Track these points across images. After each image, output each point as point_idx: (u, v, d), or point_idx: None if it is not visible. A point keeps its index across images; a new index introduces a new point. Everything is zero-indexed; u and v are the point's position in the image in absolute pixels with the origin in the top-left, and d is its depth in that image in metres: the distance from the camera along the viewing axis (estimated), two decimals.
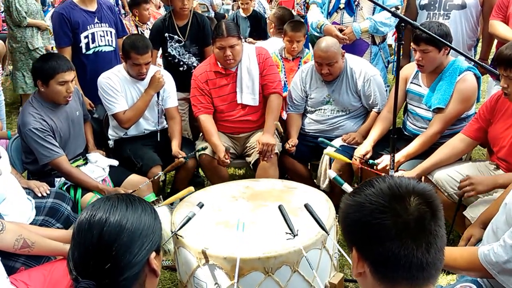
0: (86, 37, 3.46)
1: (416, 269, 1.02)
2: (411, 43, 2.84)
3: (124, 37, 3.49)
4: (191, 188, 2.45)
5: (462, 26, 3.45)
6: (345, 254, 2.01)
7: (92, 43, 3.49)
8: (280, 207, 2.09)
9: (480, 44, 4.24)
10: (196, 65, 3.64)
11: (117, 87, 3.18)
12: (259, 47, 3.39)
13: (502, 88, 2.32)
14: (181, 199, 2.54)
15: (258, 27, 6.17)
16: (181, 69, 3.69)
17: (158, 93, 3.28)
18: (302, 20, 4.16)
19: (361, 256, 1.07)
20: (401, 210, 1.02)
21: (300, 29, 3.65)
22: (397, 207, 1.03)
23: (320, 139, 3.09)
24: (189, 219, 2.06)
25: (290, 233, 1.98)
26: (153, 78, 3.21)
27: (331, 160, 3.12)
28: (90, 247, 1.11)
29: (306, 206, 2.06)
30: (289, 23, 3.70)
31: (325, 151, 2.99)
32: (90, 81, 3.38)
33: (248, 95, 3.24)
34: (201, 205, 2.15)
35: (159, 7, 7.08)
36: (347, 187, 2.23)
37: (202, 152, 3.17)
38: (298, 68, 3.70)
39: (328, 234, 2.01)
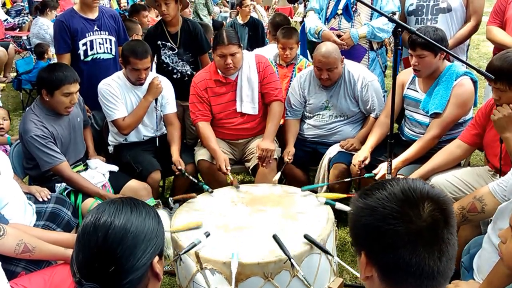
0: (85, 44, 3.49)
1: (426, 277, 0.99)
2: (408, 49, 2.86)
3: None
4: (199, 223, 2.26)
5: (450, 29, 3.44)
6: (342, 263, 2.01)
7: (91, 50, 3.51)
8: (274, 237, 2.01)
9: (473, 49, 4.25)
10: (190, 73, 3.64)
11: (117, 94, 3.19)
12: (259, 56, 3.39)
13: (495, 100, 2.33)
14: (180, 204, 2.56)
15: (256, 34, 6.21)
16: (174, 76, 3.66)
17: (156, 99, 3.29)
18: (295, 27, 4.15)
19: (370, 261, 1.04)
20: (414, 216, 0.99)
21: (291, 36, 3.64)
22: (410, 213, 0.99)
23: (302, 188, 2.62)
24: (194, 245, 2.01)
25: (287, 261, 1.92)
26: (151, 84, 3.22)
27: (329, 166, 3.13)
28: (94, 250, 1.13)
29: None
30: (281, 30, 3.70)
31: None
32: (87, 88, 3.38)
33: (247, 104, 3.25)
34: (207, 234, 2.08)
35: (158, 15, 7.12)
36: (341, 206, 2.21)
37: (201, 158, 3.17)
38: (292, 74, 3.71)
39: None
